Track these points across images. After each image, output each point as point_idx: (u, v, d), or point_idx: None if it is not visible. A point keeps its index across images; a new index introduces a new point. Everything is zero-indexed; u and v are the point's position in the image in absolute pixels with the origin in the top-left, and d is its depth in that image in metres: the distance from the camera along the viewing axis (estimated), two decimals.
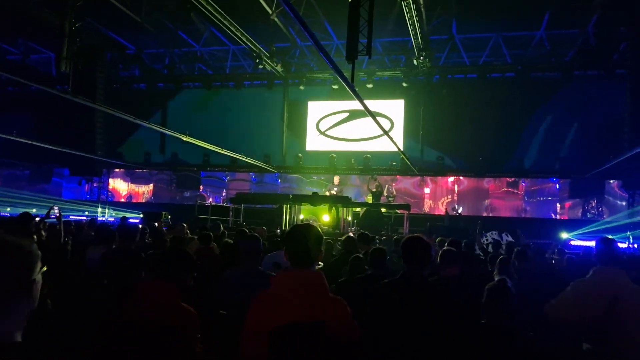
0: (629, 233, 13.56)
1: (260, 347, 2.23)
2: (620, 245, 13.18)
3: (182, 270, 2.86)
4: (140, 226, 9.67)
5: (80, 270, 4.61)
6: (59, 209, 5.95)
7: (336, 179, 17.54)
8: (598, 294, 3.43)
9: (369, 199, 16.66)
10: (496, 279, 5.31)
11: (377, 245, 7.73)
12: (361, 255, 5.13)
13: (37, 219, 6.47)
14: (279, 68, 19.02)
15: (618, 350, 3.27)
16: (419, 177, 20.68)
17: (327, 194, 16.90)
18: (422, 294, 2.90)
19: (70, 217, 15.90)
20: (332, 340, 2.25)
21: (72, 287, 4.01)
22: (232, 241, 6.42)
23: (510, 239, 11.55)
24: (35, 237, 5.53)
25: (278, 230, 10.09)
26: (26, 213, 5.79)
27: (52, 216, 6.04)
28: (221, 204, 21.17)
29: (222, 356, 3.48)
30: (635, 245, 13.28)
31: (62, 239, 5.55)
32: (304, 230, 2.49)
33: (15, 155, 21.31)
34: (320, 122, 21.39)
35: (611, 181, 18.31)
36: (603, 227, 15.13)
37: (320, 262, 2.59)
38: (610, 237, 3.87)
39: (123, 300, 2.69)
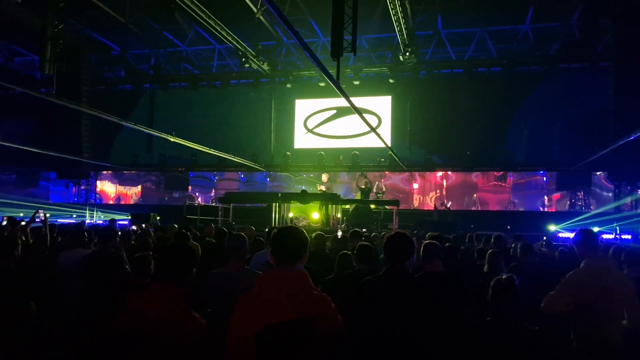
0: (615, 224, 13.69)
1: (246, 348, 2.21)
2: (608, 236, 13.33)
3: (189, 271, 2.57)
4: (134, 227, 9.64)
5: (53, 273, 4.59)
6: (44, 213, 5.89)
7: (324, 177, 17.54)
8: (592, 283, 3.66)
9: (358, 196, 16.65)
10: (485, 271, 5.37)
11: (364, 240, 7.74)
12: (349, 252, 5.13)
13: (23, 223, 6.41)
14: (265, 66, 18.96)
15: (600, 326, 3.60)
16: (407, 173, 20.72)
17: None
18: (406, 290, 2.91)
19: (58, 220, 15.75)
20: (318, 337, 2.24)
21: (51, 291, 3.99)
22: (214, 240, 6.35)
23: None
24: (19, 241, 5.47)
25: (267, 229, 10.03)
26: (11, 218, 5.73)
27: (37, 220, 5.98)
28: (210, 203, 21.07)
29: (211, 353, 3.46)
30: (629, 237, 13.41)
31: (47, 243, 5.50)
32: (289, 231, 2.51)
33: (1, 159, 21.07)
34: (308, 120, 21.38)
35: (598, 173, 18.47)
36: (590, 218, 15.28)
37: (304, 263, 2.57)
38: (589, 228, 4.06)
39: (124, 305, 2.44)
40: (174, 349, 2.29)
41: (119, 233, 6.42)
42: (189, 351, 2.32)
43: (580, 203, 18.28)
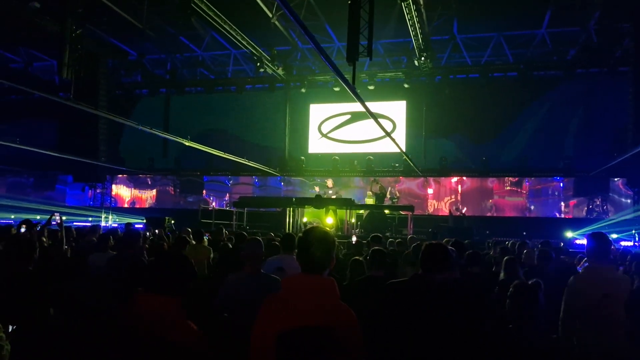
0: (634, 231, 13.47)
1: (269, 351, 2.21)
2: (627, 243, 13.10)
3: (185, 282, 2.46)
4: (156, 232, 9.69)
5: (83, 277, 4.59)
6: (60, 215, 5.93)
7: (329, 182, 17.48)
8: (589, 288, 3.61)
9: (370, 201, 16.59)
10: (502, 278, 5.29)
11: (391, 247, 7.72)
12: (361, 259, 5.11)
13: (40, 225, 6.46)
14: (280, 71, 19.02)
15: (605, 329, 3.53)
16: (422, 178, 20.61)
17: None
18: (430, 297, 2.86)
19: (74, 223, 15.91)
20: (338, 347, 2.22)
21: (74, 295, 3.98)
22: (231, 245, 6.35)
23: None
24: (37, 244, 5.51)
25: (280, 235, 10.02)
26: (28, 220, 5.78)
27: (54, 222, 6.02)
28: (224, 208, 21.15)
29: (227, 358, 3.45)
30: None
31: (63, 246, 5.53)
32: (316, 237, 2.43)
33: (20, 163, 21.39)
34: (323, 125, 21.38)
35: (616, 179, 18.21)
36: (608, 224, 15.04)
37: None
38: (600, 232, 3.97)
39: (122, 312, 2.42)
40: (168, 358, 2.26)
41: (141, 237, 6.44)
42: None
43: (597, 209, 18.02)
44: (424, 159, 19.57)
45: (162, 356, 2.27)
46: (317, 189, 17.44)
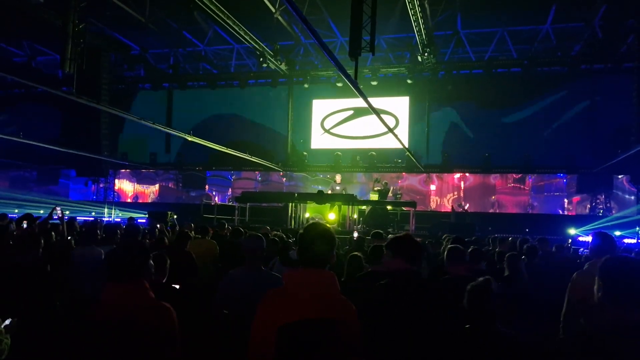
0: (638, 228, 13.40)
1: (270, 344, 2.22)
2: (630, 240, 13.05)
3: (141, 268, 2.55)
4: (158, 226, 9.68)
5: (68, 266, 4.61)
6: (61, 209, 5.93)
7: (338, 178, 17.51)
8: (592, 284, 3.58)
9: (374, 197, 16.55)
10: (506, 275, 5.26)
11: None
12: (359, 254, 5.10)
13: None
14: (283, 66, 18.98)
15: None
16: (424, 174, 20.57)
17: (330, 192, 16.84)
18: (418, 294, 2.87)
19: (78, 218, 15.92)
20: (338, 340, 2.24)
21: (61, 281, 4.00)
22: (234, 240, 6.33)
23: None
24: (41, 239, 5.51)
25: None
26: (29, 215, 5.79)
27: (55, 217, 6.02)
28: (227, 203, 21.16)
29: (226, 355, 3.45)
30: None
31: (65, 240, 5.53)
32: (317, 233, 2.44)
33: (23, 156, 21.44)
34: (325, 120, 21.36)
35: (620, 176, 18.14)
36: (612, 221, 14.99)
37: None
38: (604, 232, 4.01)
39: (93, 303, 2.50)
40: (147, 338, 2.40)
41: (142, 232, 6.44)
42: (161, 338, 2.43)
43: (601, 206, 17.95)
44: (427, 154, 19.55)
45: (132, 340, 2.37)
46: (336, 179, 17.48)
